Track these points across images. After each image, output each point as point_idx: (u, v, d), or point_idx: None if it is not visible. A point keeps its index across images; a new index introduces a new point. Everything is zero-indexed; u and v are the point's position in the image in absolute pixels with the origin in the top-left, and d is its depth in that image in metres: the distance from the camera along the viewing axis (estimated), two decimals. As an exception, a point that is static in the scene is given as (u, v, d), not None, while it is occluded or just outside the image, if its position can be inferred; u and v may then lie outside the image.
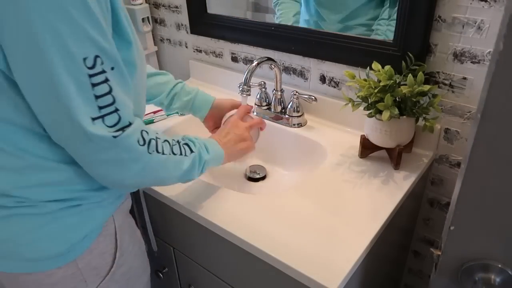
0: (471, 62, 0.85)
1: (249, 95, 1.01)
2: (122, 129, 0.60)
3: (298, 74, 1.16)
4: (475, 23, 0.81)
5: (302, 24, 1.15)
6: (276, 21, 1.17)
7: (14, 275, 0.69)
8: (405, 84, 0.84)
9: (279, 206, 0.83)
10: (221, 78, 1.35)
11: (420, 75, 0.85)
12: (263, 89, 1.17)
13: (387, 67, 0.87)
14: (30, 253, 0.67)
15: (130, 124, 0.61)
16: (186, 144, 0.74)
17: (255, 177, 1.08)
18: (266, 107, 1.17)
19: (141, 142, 0.63)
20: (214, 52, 1.34)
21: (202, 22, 1.30)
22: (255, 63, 1.02)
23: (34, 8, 0.50)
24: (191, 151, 0.74)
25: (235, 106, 0.99)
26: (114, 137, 0.59)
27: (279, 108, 1.14)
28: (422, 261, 1.19)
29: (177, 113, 1.17)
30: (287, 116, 1.12)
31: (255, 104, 1.18)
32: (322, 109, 1.13)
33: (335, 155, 0.99)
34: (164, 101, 0.99)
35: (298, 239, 0.75)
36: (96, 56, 0.55)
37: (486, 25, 0.80)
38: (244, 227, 0.78)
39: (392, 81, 0.85)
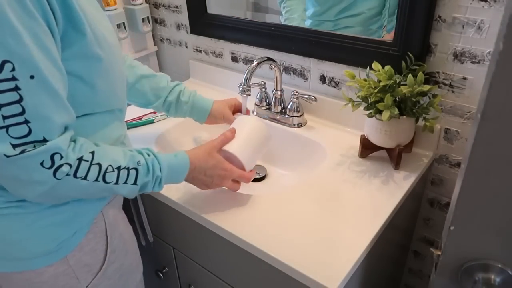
0: (471, 62, 0.85)
1: (249, 95, 1.01)
2: (33, 143, 0.55)
3: (298, 74, 1.16)
4: (475, 23, 0.81)
5: (303, 25, 1.15)
6: (283, 20, 1.17)
7: (7, 275, 0.69)
8: (405, 84, 0.84)
9: (279, 206, 0.83)
10: (221, 78, 1.35)
11: (420, 75, 0.85)
12: (263, 89, 1.17)
13: (387, 67, 0.87)
14: (19, 252, 0.67)
15: (43, 140, 0.56)
16: (135, 170, 0.67)
17: (255, 177, 1.08)
18: (266, 107, 1.17)
19: (47, 164, 0.57)
20: (214, 52, 1.34)
21: (202, 22, 1.30)
22: (255, 63, 1.02)
23: None
24: (135, 182, 0.67)
25: (227, 119, 0.98)
26: (7, 156, 0.54)
27: (279, 108, 1.14)
28: (422, 261, 1.19)
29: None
30: (287, 116, 1.12)
31: (255, 104, 1.18)
32: (322, 109, 1.13)
33: (335, 155, 0.99)
34: (161, 109, 0.98)
35: (298, 239, 0.75)
36: (4, 61, 0.51)
37: (486, 25, 0.80)
38: (244, 227, 0.78)
39: (392, 81, 0.85)
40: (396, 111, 0.84)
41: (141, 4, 1.39)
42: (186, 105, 0.97)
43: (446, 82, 0.90)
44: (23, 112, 0.54)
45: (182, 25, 1.39)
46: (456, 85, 0.89)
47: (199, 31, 1.33)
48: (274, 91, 1.13)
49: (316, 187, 0.89)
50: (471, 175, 0.49)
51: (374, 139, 0.93)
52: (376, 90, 0.86)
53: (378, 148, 0.95)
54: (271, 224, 0.79)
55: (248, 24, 1.19)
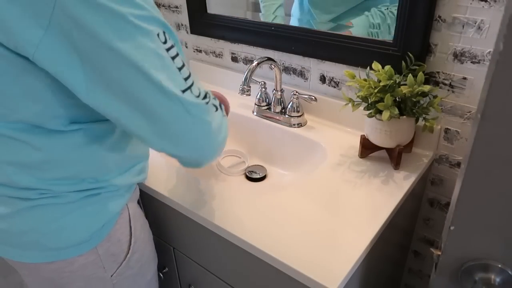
0: (471, 62, 0.85)
1: (249, 95, 1.02)
2: (204, 97, 0.62)
3: (298, 74, 1.16)
4: (475, 23, 0.81)
5: (294, 23, 1.15)
6: (262, 18, 1.18)
7: (35, 266, 0.72)
8: (405, 84, 0.84)
9: (279, 206, 0.83)
10: (221, 78, 1.35)
11: (420, 75, 0.85)
12: (263, 89, 1.17)
13: (387, 67, 0.87)
14: (54, 242, 0.69)
15: (206, 92, 0.63)
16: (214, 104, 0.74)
17: (255, 177, 1.08)
18: (266, 107, 1.17)
19: (215, 109, 0.64)
20: (214, 52, 1.34)
21: (202, 22, 1.30)
22: (255, 63, 1.02)
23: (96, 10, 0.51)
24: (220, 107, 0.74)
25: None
26: (205, 104, 0.61)
27: (279, 108, 1.14)
28: (422, 261, 1.19)
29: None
30: (287, 116, 1.12)
31: (255, 104, 1.18)
32: (322, 109, 1.13)
33: (335, 155, 0.99)
34: None
35: (298, 239, 0.75)
36: (164, 32, 0.57)
37: (486, 25, 0.80)
38: (244, 227, 0.78)
39: (392, 81, 0.85)
40: (396, 111, 0.84)
41: (141, 4, 1.39)
42: None
43: (446, 82, 0.90)
44: (190, 74, 0.60)
45: (182, 25, 1.39)
46: (456, 85, 0.89)
47: (199, 31, 1.33)
48: (274, 91, 1.13)
49: (316, 187, 0.89)
50: (471, 175, 0.49)
51: (374, 139, 0.93)
52: (376, 90, 0.86)
53: (378, 148, 0.95)
54: (271, 224, 0.79)
55: (248, 24, 1.19)
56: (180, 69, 0.58)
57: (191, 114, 0.59)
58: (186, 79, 0.59)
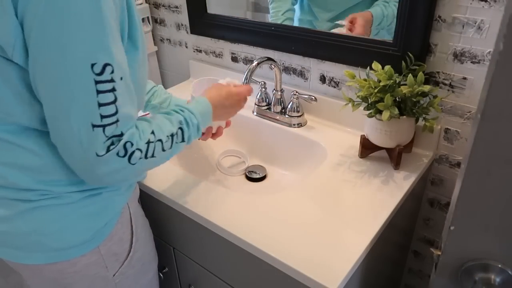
0: (471, 62, 0.85)
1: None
2: (112, 138, 0.59)
3: (298, 74, 1.16)
4: (475, 23, 0.81)
5: (295, 23, 1.15)
6: (270, 20, 1.18)
7: (38, 267, 0.72)
8: (405, 84, 0.84)
9: (279, 206, 0.83)
10: (221, 78, 1.35)
11: (420, 75, 0.85)
12: (263, 89, 1.17)
13: (387, 67, 0.87)
14: (56, 242, 0.69)
15: (121, 134, 0.60)
16: (180, 129, 0.72)
17: (255, 177, 1.08)
18: (266, 107, 1.17)
19: (122, 153, 0.61)
20: (214, 52, 1.34)
21: (202, 22, 1.30)
22: (255, 63, 1.02)
23: (51, 13, 0.51)
24: (183, 139, 0.72)
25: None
26: (98, 155, 0.58)
27: (279, 108, 1.14)
28: (422, 261, 1.19)
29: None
30: (287, 116, 1.12)
31: (255, 104, 1.18)
32: (322, 109, 1.13)
33: (335, 155, 0.99)
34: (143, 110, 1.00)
35: (298, 239, 0.75)
36: (106, 64, 0.55)
37: (486, 25, 0.80)
38: (244, 227, 0.78)
39: (392, 81, 0.85)
40: (396, 111, 0.84)
41: (141, 4, 1.39)
42: (161, 106, 0.98)
43: (446, 82, 0.90)
44: (116, 112, 0.58)
45: (182, 25, 1.39)
46: (456, 85, 0.89)
47: (199, 31, 1.33)
48: (274, 91, 1.13)
49: (316, 187, 0.89)
50: (471, 175, 0.49)
51: (374, 139, 0.93)
52: (376, 90, 0.86)
53: (378, 148, 0.95)
54: (271, 224, 0.79)
55: (248, 24, 1.19)
56: (102, 105, 0.56)
57: (82, 146, 0.58)
58: (104, 117, 0.57)
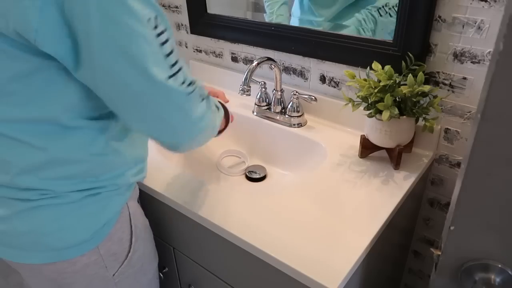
0: (471, 62, 0.85)
1: (249, 95, 1.02)
2: (189, 85, 0.62)
3: (298, 74, 1.16)
4: (475, 23, 0.81)
5: (294, 23, 1.15)
6: (267, 18, 1.18)
7: (37, 267, 0.72)
8: (405, 84, 0.84)
9: (279, 206, 0.83)
10: (221, 78, 1.35)
11: (420, 75, 0.85)
12: (263, 89, 1.17)
13: (387, 67, 0.87)
14: (56, 242, 0.69)
15: (193, 80, 0.63)
16: (217, 107, 0.76)
17: (255, 177, 1.08)
18: (266, 107, 1.17)
19: (202, 97, 0.65)
20: (214, 52, 1.34)
21: (202, 22, 1.30)
22: (255, 63, 1.02)
23: None
24: (217, 107, 0.77)
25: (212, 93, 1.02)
26: (188, 93, 0.62)
27: (279, 108, 1.14)
28: (422, 261, 1.19)
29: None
30: (287, 116, 1.12)
31: (255, 104, 1.18)
32: (322, 109, 1.13)
33: (335, 155, 0.99)
34: None
35: (298, 239, 0.75)
36: (156, 17, 0.57)
37: (486, 25, 0.80)
38: (244, 227, 0.78)
39: (392, 81, 0.85)
40: (396, 111, 0.84)
41: (141, 4, 1.39)
42: None
43: (446, 82, 0.90)
44: (177, 60, 0.61)
45: (182, 25, 1.39)
46: (456, 85, 0.89)
47: (199, 31, 1.33)
48: (274, 91, 1.13)
49: (316, 187, 0.89)
50: (471, 175, 0.49)
51: (374, 139, 0.93)
52: (376, 90, 0.86)
53: (378, 148, 0.95)
54: (271, 224, 0.79)
55: (248, 24, 1.19)
56: (167, 55, 0.59)
57: (172, 101, 0.60)
58: (172, 65, 0.59)
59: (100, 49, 0.54)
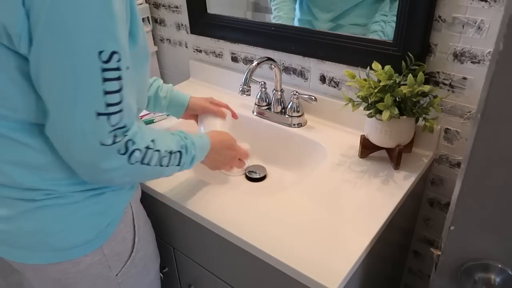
0: (471, 62, 0.85)
1: (249, 95, 1.02)
2: (116, 131, 0.59)
3: (298, 74, 1.16)
4: (475, 23, 0.81)
5: (295, 24, 1.15)
6: (273, 20, 1.18)
7: (42, 267, 0.72)
8: (405, 84, 0.84)
9: (279, 206, 0.83)
10: (221, 78, 1.35)
11: (420, 75, 0.85)
12: (263, 89, 1.17)
13: (387, 67, 0.87)
14: (60, 242, 0.70)
15: (125, 127, 0.60)
16: (179, 152, 0.73)
17: (255, 177, 1.08)
18: (266, 107, 1.17)
19: (122, 151, 0.61)
20: (214, 52, 1.34)
21: (202, 22, 1.30)
22: (255, 63, 1.02)
23: (60, 1, 0.51)
24: (179, 163, 0.73)
25: (206, 109, 1.00)
26: (103, 145, 0.58)
27: (279, 108, 1.14)
28: (422, 261, 1.19)
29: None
30: (287, 116, 1.12)
31: (255, 104, 1.18)
32: (322, 109, 1.13)
33: (335, 155, 0.99)
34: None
35: (298, 239, 0.75)
36: (113, 52, 0.55)
37: (486, 25, 0.80)
38: (244, 227, 0.78)
39: (392, 81, 0.85)
40: (396, 111, 0.84)
41: (141, 4, 1.39)
42: (164, 100, 0.98)
43: (446, 82, 0.90)
44: (121, 101, 0.58)
45: (182, 25, 1.39)
46: (456, 85, 0.89)
47: (199, 31, 1.33)
48: (274, 91, 1.13)
49: (316, 187, 0.89)
50: (471, 175, 0.49)
51: (374, 139, 0.93)
52: (376, 90, 0.86)
53: (378, 148, 0.95)
54: (271, 224, 0.79)
55: (248, 24, 1.19)
56: (107, 93, 0.56)
57: (85, 136, 0.57)
58: (109, 105, 0.57)
59: (47, 61, 0.55)
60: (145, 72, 0.73)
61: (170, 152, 0.70)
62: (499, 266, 0.53)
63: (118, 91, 0.57)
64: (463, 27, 0.83)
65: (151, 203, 0.96)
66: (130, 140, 0.61)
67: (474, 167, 0.48)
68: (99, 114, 0.57)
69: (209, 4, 1.26)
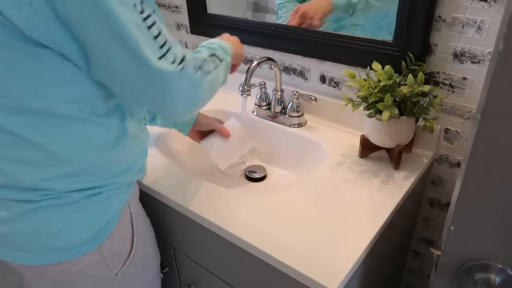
0: (471, 62, 0.85)
1: (249, 95, 1.02)
2: (180, 62, 0.63)
3: (298, 74, 1.16)
4: (475, 23, 0.81)
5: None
6: (278, 20, 1.17)
7: (41, 268, 0.72)
8: (405, 84, 0.84)
9: (279, 206, 0.83)
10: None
11: (420, 75, 0.85)
12: (263, 89, 1.17)
13: (387, 67, 0.87)
14: (59, 242, 0.70)
15: (184, 56, 0.64)
16: (214, 55, 0.76)
17: (255, 177, 1.08)
18: (266, 107, 1.17)
19: (197, 68, 0.66)
20: (214, 52, 1.34)
21: (202, 22, 1.30)
22: (255, 63, 1.02)
23: None
24: (220, 59, 0.77)
25: (211, 124, 1.01)
26: (180, 70, 0.62)
27: (279, 108, 1.14)
28: (422, 261, 1.19)
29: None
30: (287, 116, 1.12)
31: (255, 104, 1.18)
32: (322, 109, 1.13)
33: (335, 155, 0.99)
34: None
35: (298, 239, 0.75)
36: (141, 2, 0.59)
37: (486, 25, 0.80)
38: (244, 227, 0.78)
39: (392, 81, 0.85)
40: (396, 111, 0.84)
41: (141, 4, 1.39)
42: None
43: (446, 82, 0.90)
44: (166, 41, 0.62)
45: (182, 25, 1.39)
46: (456, 85, 0.89)
47: (199, 31, 1.33)
48: (274, 91, 1.13)
49: (316, 187, 0.89)
50: (471, 175, 0.49)
51: (374, 139, 0.93)
52: (376, 90, 0.86)
53: (378, 148, 0.95)
54: (271, 224, 0.79)
55: (248, 24, 1.19)
56: (155, 37, 0.60)
57: (164, 79, 0.61)
58: (161, 46, 0.61)
59: (93, 37, 0.57)
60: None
61: (211, 55, 0.75)
62: (499, 266, 0.53)
63: (160, 33, 0.61)
64: (463, 27, 0.83)
65: (150, 203, 0.96)
66: (193, 58, 0.66)
67: (474, 167, 0.48)
68: (160, 57, 0.60)
69: (209, 4, 1.26)
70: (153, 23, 0.60)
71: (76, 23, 0.56)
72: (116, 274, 0.79)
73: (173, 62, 0.62)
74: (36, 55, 0.58)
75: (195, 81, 0.66)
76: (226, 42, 0.83)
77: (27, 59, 0.59)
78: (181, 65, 0.63)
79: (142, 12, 0.58)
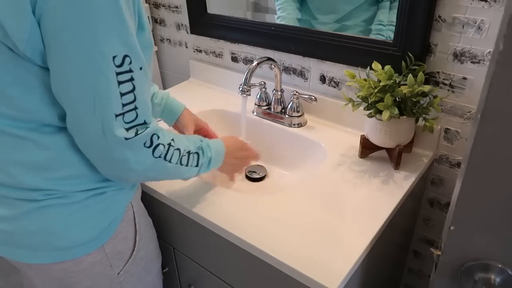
0: (471, 62, 0.85)
1: (249, 95, 1.02)
2: (136, 126, 0.62)
3: (298, 74, 1.16)
4: (475, 23, 0.81)
5: (295, 24, 1.15)
6: (277, 20, 1.17)
7: (45, 266, 0.72)
8: (405, 84, 0.84)
9: (279, 206, 0.83)
10: (221, 78, 1.35)
11: (420, 75, 0.85)
12: (263, 89, 1.17)
13: (387, 67, 0.87)
14: (62, 241, 0.70)
15: (145, 123, 0.63)
16: (197, 153, 0.75)
17: (255, 177, 1.08)
18: (266, 107, 1.17)
19: (148, 144, 0.64)
20: (214, 52, 1.34)
21: (202, 22, 1.30)
22: (255, 63, 1.02)
23: (72, 9, 0.53)
24: (197, 164, 0.76)
25: (200, 129, 1.01)
26: (126, 138, 0.61)
27: (279, 108, 1.14)
28: (422, 261, 1.19)
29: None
30: (287, 116, 1.12)
31: (255, 104, 1.18)
32: (322, 109, 1.13)
33: (335, 155, 0.99)
34: None
35: (298, 239, 0.75)
36: (125, 56, 0.58)
37: (486, 25, 0.80)
38: (244, 227, 0.78)
39: (392, 81, 0.85)
40: (396, 111, 0.84)
41: (141, 4, 1.39)
42: (158, 107, 0.98)
43: (446, 82, 0.90)
44: (134, 100, 0.61)
45: (182, 25, 1.39)
46: (456, 85, 0.89)
47: (199, 31, 1.33)
48: (274, 91, 1.13)
49: (316, 187, 0.89)
50: (471, 175, 0.49)
51: (374, 139, 0.93)
52: (376, 90, 0.86)
53: (378, 148, 0.95)
54: (271, 224, 0.79)
55: (248, 24, 1.19)
56: (123, 94, 0.59)
57: (107, 139, 0.60)
58: (124, 105, 0.60)
59: (63, 68, 0.57)
60: (148, 59, 0.74)
61: (189, 152, 0.73)
62: (499, 266, 0.53)
63: (132, 91, 0.60)
64: (463, 27, 0.83)
65: (151, 203, 0.96)
66: (154, 134, 0.64)
67: (474, 167, 0.48)
68: (117, 115, 0.59)
69: (209, 4, 1.26)
70: (128, 80, 0.59)
71: (49, 33, 0.55)
72: (118, 273, 0.79)
73: (128, 122, 0.61)
74: (33, 69, 0.59)
75: (141, 156, 0.64)
76: (221, 155, 0.82)
77: (41, 78, 0.60)
78: (132, 132, 0.61)
79: (120, 66, 0.57)
